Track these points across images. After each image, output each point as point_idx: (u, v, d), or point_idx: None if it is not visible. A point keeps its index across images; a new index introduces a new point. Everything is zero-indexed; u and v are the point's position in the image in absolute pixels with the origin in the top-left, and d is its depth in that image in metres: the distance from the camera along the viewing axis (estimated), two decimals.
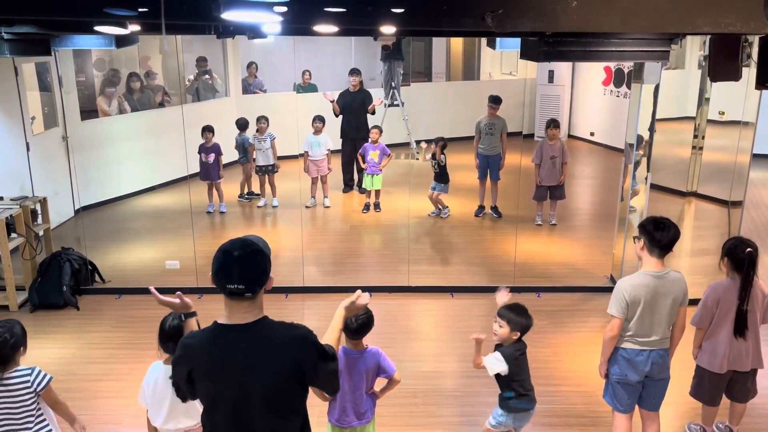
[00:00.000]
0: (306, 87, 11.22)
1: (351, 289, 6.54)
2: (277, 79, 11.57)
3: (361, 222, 8.58)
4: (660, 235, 3.64)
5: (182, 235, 7.28)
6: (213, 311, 6.71)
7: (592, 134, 12.69)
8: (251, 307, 2.36)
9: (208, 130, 8.48)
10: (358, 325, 3.43)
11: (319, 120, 8.79)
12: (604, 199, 9.00)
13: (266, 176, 8.96)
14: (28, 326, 5.82)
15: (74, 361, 5.29)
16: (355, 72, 9.40)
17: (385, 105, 10.38)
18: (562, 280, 6.68)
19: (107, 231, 8.08)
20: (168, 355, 3.38)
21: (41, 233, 6.61)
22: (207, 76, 10.56)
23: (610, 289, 6.43)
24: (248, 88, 11.21)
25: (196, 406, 3.10)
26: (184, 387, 2.45)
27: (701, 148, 6.55)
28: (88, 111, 9.12)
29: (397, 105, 10.38)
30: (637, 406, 3.95)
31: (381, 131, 8.78)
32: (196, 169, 8.53)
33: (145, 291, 6.39)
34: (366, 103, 9.31)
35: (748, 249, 3.88)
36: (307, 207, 8.88)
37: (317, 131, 8.77)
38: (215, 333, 2.40)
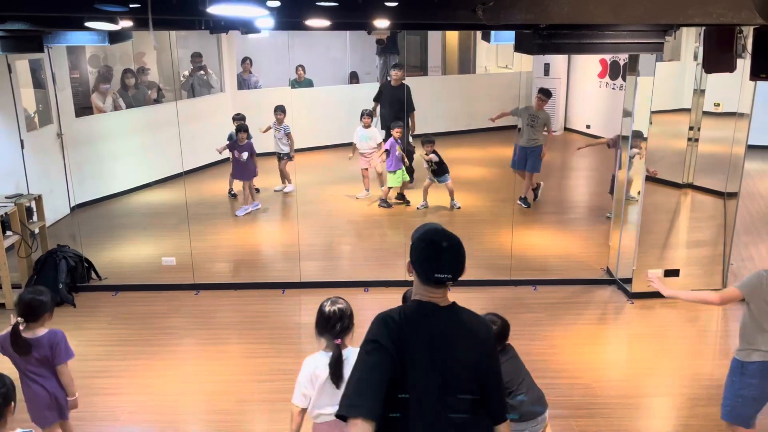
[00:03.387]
0: (302, 82, 11.21)
1: (347, 284, 6.57)
2: (272, 75, 11.55)
3: (357, 217, 8.57)
4: None
5: (178, 232, 7.27)
6: (210, 307, 6.73)
7: (588, 127, 12.69)
8: (445, 292, 2.40)
9: (242, 129, 8.43)
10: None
11: (367, 115, 8.87)
12: (600, 191, 8.99)
13: (280, 162, 9.09)
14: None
15: None
16: (397, 66, 9.42)
17: None
18: (559, 272, 6.69)
19: (103, 228, 8.07)
20: (326, 343, 3.22)
21: (36, 231, 6.60)
22: (202, 72, 10.53)
23: (606, 281, 6.52)
24: (243, 83, 11.19)
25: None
26: (375, 368, 2.26)
27: (697, 140, 6.53)
28: (83, 108, 9.10)
29: None
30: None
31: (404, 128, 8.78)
32: (192, 165, 8.51)
33: (142, 288, 6.47)
34: (408, 97, 9.30)
35: None
36: (357, 198, 8.98)
37: (366, 125, 8.83)
38: (421, 309, 2.36)
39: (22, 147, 7.39)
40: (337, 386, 3.15)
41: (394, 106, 9.22)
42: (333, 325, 3.20)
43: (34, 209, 6.59)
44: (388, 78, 10.68)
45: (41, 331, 3.66)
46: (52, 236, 6.93)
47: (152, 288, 6.45)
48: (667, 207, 6.48)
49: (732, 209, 6.21)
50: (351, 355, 3.25)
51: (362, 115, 8.86)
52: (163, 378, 5.02)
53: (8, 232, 6.17)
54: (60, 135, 8.14)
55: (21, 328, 3.59)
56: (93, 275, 6.66)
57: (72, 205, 7.95)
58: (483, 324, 2.49)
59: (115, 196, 9.09)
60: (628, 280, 6.26)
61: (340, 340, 3.19)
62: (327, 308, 3.23)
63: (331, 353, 3.18)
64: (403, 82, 9.26)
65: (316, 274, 6.71)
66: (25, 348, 3.61)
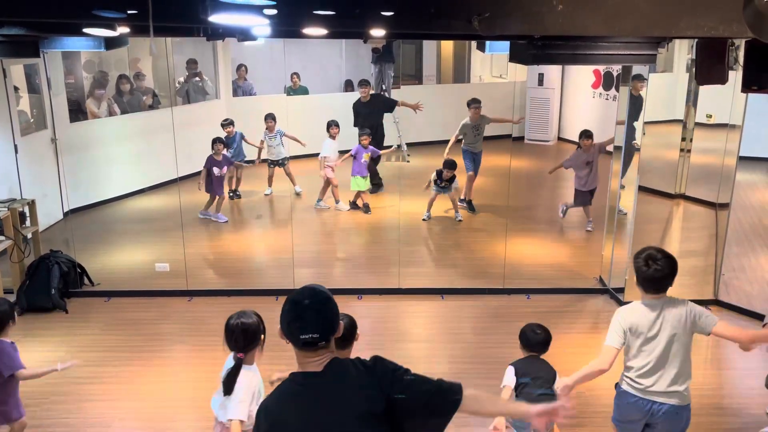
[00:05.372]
0: (297, 89, 11.23)
1: (342, 291, 6.54)
2: (267, 82, 11.57)
3: (351, 224, 8.58)
4: (649, 273, 3.31)
5: (172, 238, 7.26)
6: (203, 313, 6.69)
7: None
8: (324, 354, 2.27)
9: (218, 141, 8.37)
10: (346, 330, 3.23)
11: (335, 125, 8.84)
12: (594, 201, 9.04)
13: (277, 168, 9.11)
14: (17, 329, 5.81)
15: None
16: (363, 83, 9.51)
17: None
18: (552, 281, 6.71)
19: (96, 233, 8.05)
20: (231, 353, 3.33)
21: (29, 236, 6.58)
22: (197, 78, 10.54)
23: (599, 291, 6.55)
24: (238, 90, 11.21)
25: (233, 402, 3.18)
26: None
27: (689, 151, 6.62)
28: (78, 113, 9.09)
29: None
30: None
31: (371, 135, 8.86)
32: (186, 171, 8.48)
33: (135, 294, 6.44)
34: (385, 108, 9.45)
35: None
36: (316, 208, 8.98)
37: (333, 136, 8.82)
38: (292, 385, 2.28)
39: (16, 151, 7.38)
40: (225, 394, 3.22)
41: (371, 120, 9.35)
42: (235, 339, 3.25)
43: (27, 214, 6.58)
44: (383, 87, 10.76)
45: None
46: (45, 241, 6.91)
47: (145, 294, 6.44)
48: (659, 217, 6.53)
49: (723, 220, 6.25)
50: (249, 374, 3.25)
51: (329, 126, 8.85)
52: (156, 385, 5.00)
53: (1, 237, 6.15)
54: (54, 140, 8.13)
55: None
56: (86, 281, 6.64)
57: (65, 210, 7.92)
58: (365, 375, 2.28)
59: (109, 202, 9.07)
60: (621, 290, 6.29)
61: (242, 354, 3.22)
62: (232, 321, 3.28)
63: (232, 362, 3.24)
64: (372, 93, 9.51)
65: (310, 281, 6.68)
66: None
